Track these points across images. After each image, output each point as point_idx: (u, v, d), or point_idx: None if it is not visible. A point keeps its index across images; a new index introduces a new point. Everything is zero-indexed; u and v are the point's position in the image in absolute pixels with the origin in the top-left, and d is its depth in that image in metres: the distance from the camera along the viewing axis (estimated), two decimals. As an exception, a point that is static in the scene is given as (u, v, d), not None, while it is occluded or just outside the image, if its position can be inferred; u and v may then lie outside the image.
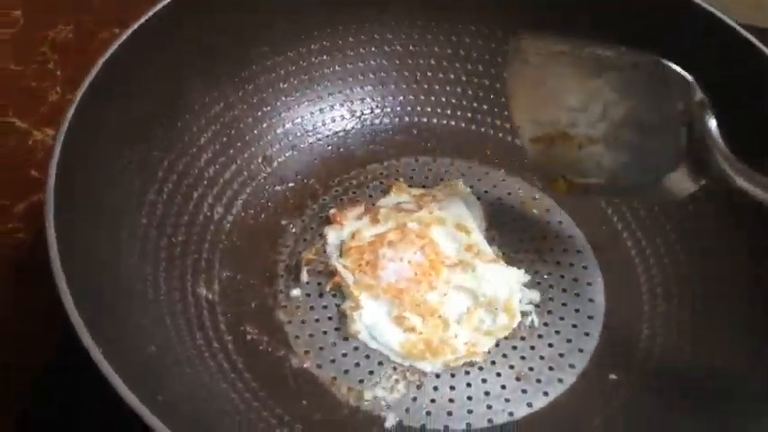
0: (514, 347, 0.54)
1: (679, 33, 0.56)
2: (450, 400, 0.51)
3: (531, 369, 0.53)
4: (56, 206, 0.43)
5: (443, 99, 0.67)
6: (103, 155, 0.51)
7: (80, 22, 0.84)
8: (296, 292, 0.57)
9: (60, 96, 0.77)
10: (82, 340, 0.38)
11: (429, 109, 0.68)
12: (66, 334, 0.56)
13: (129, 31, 0.53)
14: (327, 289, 0.56)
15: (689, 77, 0.47)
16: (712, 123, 0.46)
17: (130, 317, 0.47)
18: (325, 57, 0.65)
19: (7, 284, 0.63)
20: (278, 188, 0.62)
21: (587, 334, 0.55)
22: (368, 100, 0.67)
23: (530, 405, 0.51)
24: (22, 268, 0.64)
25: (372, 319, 0.54)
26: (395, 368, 0.53)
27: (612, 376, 0.52)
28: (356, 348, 0.54)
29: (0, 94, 0.77)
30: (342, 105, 0.67)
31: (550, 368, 0.53)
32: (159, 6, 0.54)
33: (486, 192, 0.64)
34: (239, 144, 0.62)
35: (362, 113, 0.67)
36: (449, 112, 0.67)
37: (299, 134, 0.65)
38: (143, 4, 0.70)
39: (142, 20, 0.54)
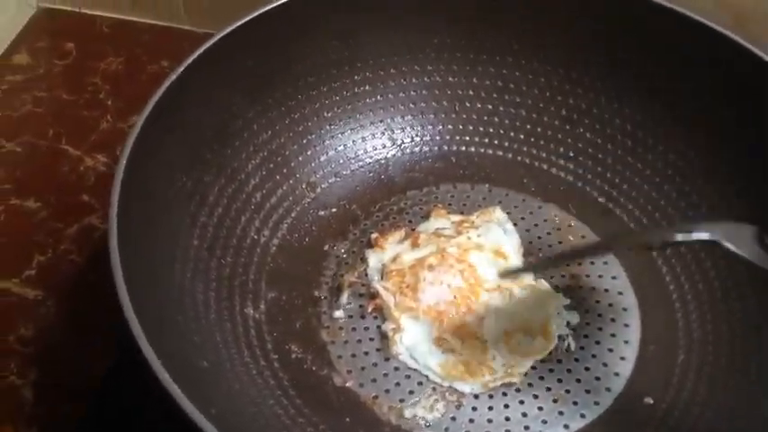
0: (551, 370, 0.55)
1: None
2: (489, 421, 0.53)
3: (567, 392, 0.54)
4: (119, 227, 0.46)
5: (481, 128, 0.69)
6: (160, 180, 0.54)
7: (130, 55, 0.88)
8: (338, 313, 0.59)
9: (111, 125, 0.81)
10: (142, 350, 0.40)
11: (467, 138, 0.70)
12: (122, 350, 0.59)
13: (185, 64, 0.55)
14: (369, 311, 0.58)
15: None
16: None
17: (184, 333, 0.50)
18: (367, 87, 0.68)
19: (61, 305, 0.65)
20: (321, 213, 0.65)
21: (623, 358, 0.56)
22: (408, 129, 0.70)
23: (566, 427, 0.52)
24: (75, 289, 0.67)
25: (413, 341, 0.56)
26: (434, 388, 0.54)
27: (648, 400, 0.53)
28: (396, 368, 0.56)
29: (53, 123, 0.81)
30: (383, 134, 0.69)
31: (587, 391, 0.54)
32: (211, 42, 0.57)
33: (522, 218, 0.65)
34: (285, 170, 0.65)
35: (403, 142, 0.70)
36: (486, 140, 0.69)
37: (341, 161, 0.68)
38: (190, 38, 0.73)
39: (196, 54, 0.56)
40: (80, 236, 0.71)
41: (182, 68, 0.55)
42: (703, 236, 0.45)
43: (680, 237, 0.47)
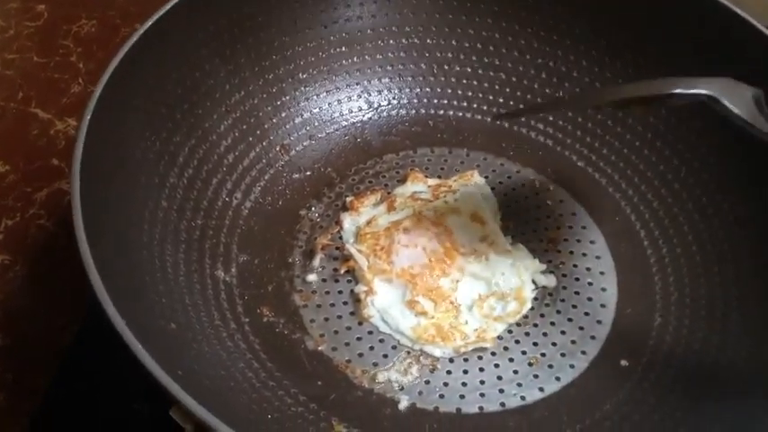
0: (527, 334, 0.55)
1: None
2: (463, 384, 0.52)
3: (543, 355, 0.54)
4: (82, 186, 0.44)
5: (459, 92, 0.68)
6: (127, 137, 0.52)
7: (103, 18, 0.86)
8: (312, 276, 0.57)
9: (83, 88, 0.79)
10: (107, 312, 0.39)
11: (445, 101, 0.68)
12: (91, 313, 0.58)
13: (152, 20, 0.54)
14: (342, 271, 0.57)
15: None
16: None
17: (151, 295, 0.48)
18: (343, 48, 0.67)
19: (29, 269, 0.64)
20: (296, 176, 0.63)
21: (599, 322, 0.55)
22: (385, 92, 0.68)
23: (542, 390, 0.52)
24: (44, 254, 0.65)
25: (385, 303, 0.55)
26: (408, 352, 0.54)
27: (624, 363, 0.53)
28: (370, 333, 0.55)
29: (23, 86, 0.79)
30: (359, 97, 0.68)
31: (562, 354, 0.54)
32: (183, -1, 0.55)
33: (500, 183, 0.64)
34: (258, 132, 0.63)
35: (380, 105, 0.68)
36: (465, 104, 0.68)
37: (316, 124, 0.66)
38: (165, 1, 0.71)
39: (164, 9, 0.55)
40: (50, 200, 0.69)
41: (150, 23, 0.54)
42: (702, 91, 0.42)
43: (678, 90, 0.43)
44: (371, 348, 0.54)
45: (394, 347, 0.54)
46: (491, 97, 0.68)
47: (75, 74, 0.80)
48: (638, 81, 0.55)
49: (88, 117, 0.47)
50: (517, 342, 0.54)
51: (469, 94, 0.68)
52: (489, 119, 0.68)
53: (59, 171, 0.71)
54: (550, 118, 0.66)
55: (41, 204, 0.69)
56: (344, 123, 0.67)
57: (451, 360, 0.53)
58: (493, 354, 0.54)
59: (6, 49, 0.82)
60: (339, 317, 0.55)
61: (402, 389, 0.52)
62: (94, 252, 0.41)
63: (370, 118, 0.68)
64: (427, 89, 0.69)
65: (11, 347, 0.59)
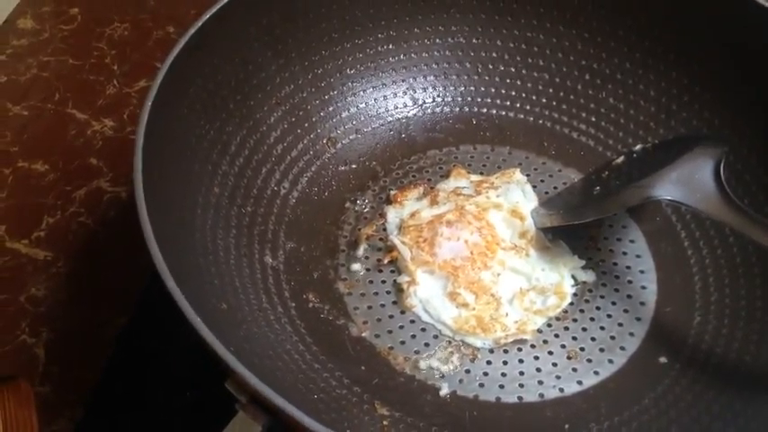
0: (566, 328, 0.56)
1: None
2: (503, 374, 0.53)
3: (582, 349, 0.54)
4: (144, 167, 0.46)
5: (503, 91, 0.69)
6: (182, 124, 0.54)
7: (135, 21, 0.88)
8: (356, 266, 0.59)
9: (117, 90, 0.81)
10: (167, 285, 0.41)
11: (489, 100, 0.69)
12: (139, 306, 0.60)
13: (209, 13, 0.55)
14: (385, 262, 0.58)
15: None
16: None
17: (204, 275, 0.50)
18: (391, 46, 0.68)
19: (71, 266, 0.66)
20: (341, 168, 0.65)
21: (639, 319, 0.56)
22: (430, 89, 0.70)
23: (580, 383, 0.53)
24: (85, 250, 0.67)
25: (427, 294, 0.56)
26: (449, 342, 0.55)
27: (662, 360, 0.53)
28: (412, 322, 0.56)
29: (60, 87, 0.81)
30: (405, 93, 0.69)
31: (601, 349, 0.54)
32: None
33: (542, 181, 0.65)
34: (306, 125, 0.65)
35: (424, 102, 0.70)
36: (508, 103, 0.69)
37: (363, 119, 0.68)
38: (197, 5, 0.72)
39: (220, 4, 0.56)
40: (88, 198, 0.71)
41: (206, 17, 0.55)
42: (660, 197, 0.51)
43: (635, 201, 0.54)
44: (413, 337, 0.55)
45: (435, 337, 0.55)
46: (534, 97, 0.69)
47: (109, 75, 0.82)
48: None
49: (149, 103, 0.49)
50: (556, 336, 0.55)
51: (513, 93, 0.69)
52: (532, 118, 0.69)
53: (97, 170, 0.73)
54: (593, 118, 0.67)
55: (81, 203, 0.70)
56: (390, 119, 0.69)
57: (491, 351, 0.54)
58: (532, 346, 0.55)
59: (42, 51, 0.84)
60: (382, 305, 0.57)
61: (443, 377, 0.53)
62: (154, 226, 0.43)
63: (415, 114, 0.69)
64: (471, 88, 0.70)
65: (55, 341, 0.61)
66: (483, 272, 0.57)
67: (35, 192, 0.71)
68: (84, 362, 0.59)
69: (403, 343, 0.55)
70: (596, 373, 0.53)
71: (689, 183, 0.51)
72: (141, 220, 0.43)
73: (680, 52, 0.63)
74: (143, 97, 0.50)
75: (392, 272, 0.59)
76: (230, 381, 0.40)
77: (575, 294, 0.57)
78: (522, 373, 0.53)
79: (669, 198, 0.52)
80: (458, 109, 0.70)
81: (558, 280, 0.58)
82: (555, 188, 0.65)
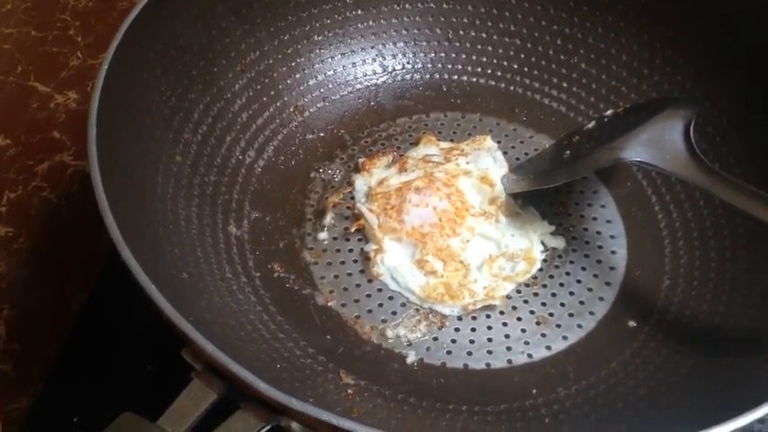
0: (536, 294, 0.55)
1: None
2: (471, 341, 0.53)
3: (551, 314, 0.54)
4: (98, 133, 0.45)
5: (474, 57, 0.68)
6: (142, 90, 0.53)
7: (100, -9, 0.85)
8: (323, 235, 0.58)
9: (81, 62, 0.78)
10: (121, 254, 0.40)
11: (459, 66, 0.68)
12: (102, 279, 0.59)
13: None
14: (352, 230, 0.58)
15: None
16: None
17: (164, 245, 0.49)
18: (359, 11, 0.67)
19: (33, 241, 0.64)
20: (309, 137, 0.64)
21: (608, 284, 0.56)
22: (399, 56, 0.69)
23: (548, 348, 0.52)
24: (47, 226, 0.65)
25: (394, 262, 0.56)
26: (417, 310, 0.54)
27: (631, 323, 0.53)
28: (380, 290, 0.55)
29: (22, 60, 0.77)
30: (374, 60, 0.68)
31: (570, 314, 0.54)
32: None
33: (513, 147, 0.65)
34: (272, 92, 0.64)
35: (394, 69, 0.68)
36: (479, 69, 0.68)
37: (331, 86, 0.67)
38: None
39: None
40: (51, 173, 0.69)
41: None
42: (629, 158, 0.51)
43: (603, 163, 0.54)
44: (380, 305, 0.54)
45: (403, 305, 0.54)
46: (505, 63, 0.68)
47: (73, 47, 0.79)
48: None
49: (105, 67, 0.48)
50: (525, 302, 0.55)
51: (484, 59, 0.68)
52: (503, 84, 0.68)
53: (60, 144, 0.71)
54: (565, 84, 0.66)
55: (43, 177, 0.68)
56: (358, 86, 0.67)
57: (460, 318, 0.54)
58: (501, 312, 0.54)
59: (3, 23, 0.80)
60: (349, 274, 0.56)
61: (410, 345, 0.52)
62: (109, 195, 0.42)
63: (384, 81, 0.68)
64: (442, 54, 0.69)
65: (17, 318, 0.59)
66: (452, 238, 0.56)
67: (-4, 166, 0.69)
68: (46, 338, 0.58)
69: (370, 312, 0.54)
70: (565, 338, 0.53)
71: (659, 144, 0.51)
72: (95, 188, 0.42)
73: (652, 15, 0.62)
74: (108, 69, 0.48)
75: (359, 240, 0.58)
76: (186, 349, 0.40)
77: (544, 260, 0.57)
78: (490, 340, 0.53)
79: (638, 159, 0.51)
80: (428, 76, 0.68)
81: (528, 246, 0.57)
82: (526, 154, 0.64)
